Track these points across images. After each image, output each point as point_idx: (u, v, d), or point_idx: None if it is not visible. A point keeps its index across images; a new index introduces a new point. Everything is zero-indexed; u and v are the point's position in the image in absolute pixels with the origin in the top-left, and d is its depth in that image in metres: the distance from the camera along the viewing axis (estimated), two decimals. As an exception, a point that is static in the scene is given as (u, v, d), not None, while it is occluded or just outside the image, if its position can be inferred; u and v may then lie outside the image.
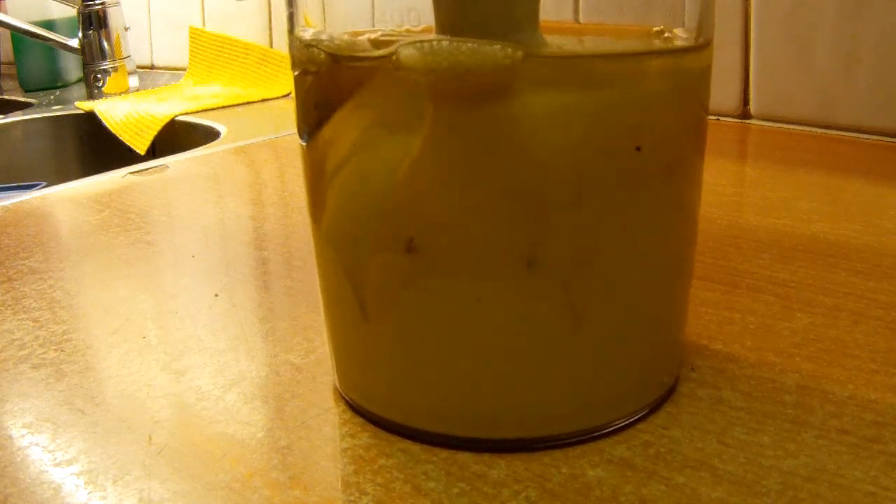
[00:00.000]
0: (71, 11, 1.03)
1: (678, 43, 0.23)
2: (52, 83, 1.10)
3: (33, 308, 0.35)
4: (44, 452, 0.24)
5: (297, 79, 0.25)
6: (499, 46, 0.20)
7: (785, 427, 0.24)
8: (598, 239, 0.22)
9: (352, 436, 0.25)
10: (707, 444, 0.23)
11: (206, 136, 0.74)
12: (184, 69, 1.03)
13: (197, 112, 0.81)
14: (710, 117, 0.44)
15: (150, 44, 1.14)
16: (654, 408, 0.25)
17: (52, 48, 1.05)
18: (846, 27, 0.55)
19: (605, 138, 0.22)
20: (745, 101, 0.62)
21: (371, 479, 0.22)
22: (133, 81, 0.99)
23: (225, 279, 0.37)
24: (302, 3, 0.24)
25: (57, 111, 0.91)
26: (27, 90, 1.09)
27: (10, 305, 0.35)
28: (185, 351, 0.30)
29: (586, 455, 0.23)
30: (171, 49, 1.11)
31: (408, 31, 0.22)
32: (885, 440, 0.23)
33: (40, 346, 0.31)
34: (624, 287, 0.23)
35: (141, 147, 0.79)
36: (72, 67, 1.11)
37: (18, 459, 0.24)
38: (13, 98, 1.07)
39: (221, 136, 0.71)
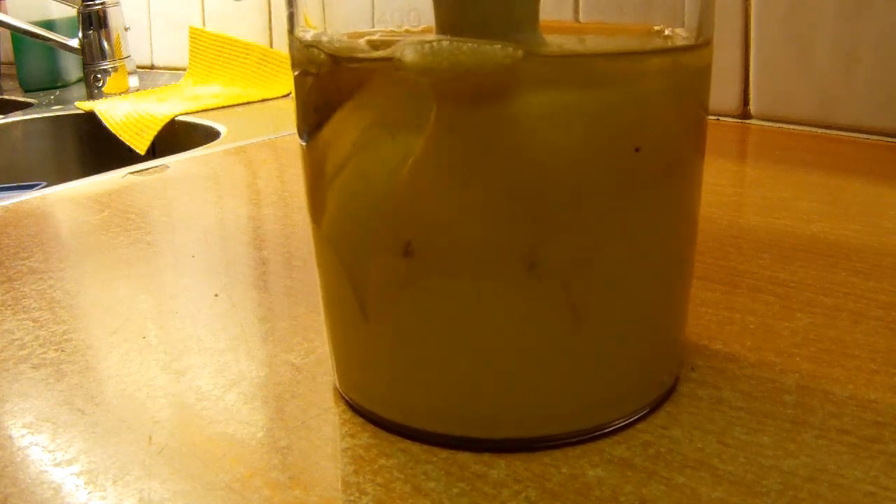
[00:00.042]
0: (71, 11, 1.03)
1: (678, 42, 0.23)
2: (52, 83, 1.10)
3: (33, 308, 0.35)
4: (44, 452, 0.24)
5: (297, 79, 0.25)
6: (499, 46, 0.20)
7: (785, 427, 0.24)
8: (599, 239, 0.22)
9: (352, 436, 0.25)
10: (707, 444, 0.23)
11: (206, 136, 0.74)
12: (184, 69, 1.03)
13: (197, 112, 0.81)
14: (710, 117, 0.44)
15: (150, 44, 1.14)
16: (654, 408, 0.25)
17: (52, 48, 1.05)
18: (846, 27, 0.56)
19: (606, 138, 0.22)
20: (745, 101, 0.62)
21: (371, 479, 0.22)
22: (133, 81, 0.99)
23: (225, 279, 0.37)
24: (302, 4, 0.24)
25: (57, 111, 0.91)
26: (27, 90, 1.09)
27: (10, 305, 0.35)
28: (185, 351, 0.30)
29: (586, 455, 0.23)
30: (171, 49, 1.11)
31: (408, 31, 0.22)
32: (885, 440, 0.23)
33: (40, 346, 0.31)
34: (624, 287, 0.23)
35: (141, 147, 0.79)
36: (72, 67, 1.11)
37: (18, 459, 0.24)
38: (13, 98, 1.07)
39: (221, 136, 0.71)
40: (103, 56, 0.97)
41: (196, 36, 1.00)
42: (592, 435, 0.24)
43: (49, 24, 1.06)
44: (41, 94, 1.06)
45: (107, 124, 0.83)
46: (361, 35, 0.23)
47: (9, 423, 0.26)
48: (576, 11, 0.24)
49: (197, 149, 0.66)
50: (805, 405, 0.25)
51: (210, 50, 0.99)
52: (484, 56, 0.20)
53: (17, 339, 0.32)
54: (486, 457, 0.23)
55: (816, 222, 0.40)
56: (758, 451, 0.23)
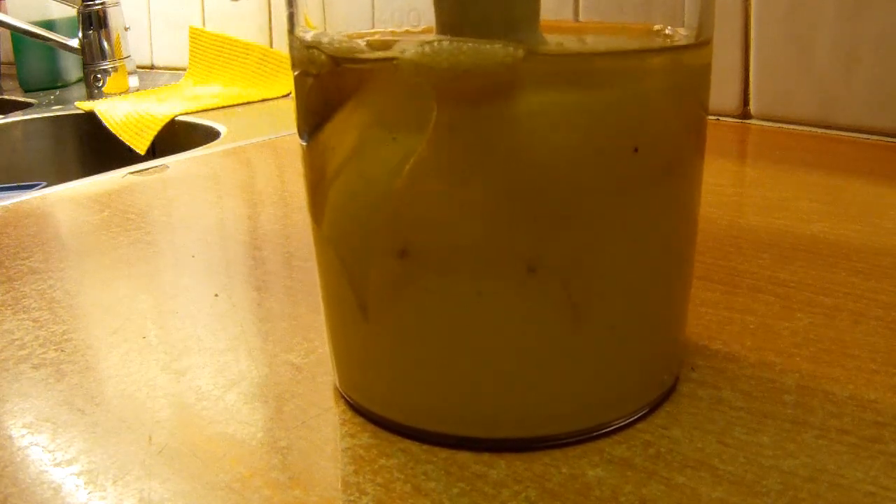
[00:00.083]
0: (71, 11, 1.03)
1: (678, 41, 0.23)
2: (52, 83, 1.10)
3: (33, 308, 0.35)
4: (44, 452, 0.24)
5: (297, 79, 0.25)
6: (500, 45, 0.20)
7: (785, 427, 0.24)
8: (599, 238, 0.22)
9: (352, 436, 0.25)
10: (707, 444, 0.23)
11: (206, 136, 0.74)
12: (184, 69, 1.03)
13: (197, 112, 0.81)
14: (710, 117, 0.44)
15: (150, 44, 1.15)
16: (654, 407, 0.25)
17: (52, 48, 1.05)
18: (846, 27, 0.56)
19: (606, 137, 0.22)
20: (745, 101, 0.62)
21: (371, 479, 0.22)
22: (133, 81, 0.99)
23: (225, 279, 0.37)
24: (302, 4, 0.24)
25: (57, 111, 0.91)
26: (27, 90, 1.09)
27: (10, 305, 0.35)
28: (185, 351, 0.30)
29: (586, 455, 0.23)
30: (171, 49, 1.11)
31: (408, 31, 0.22)
32: (885, 440, 0.23)
33: (40, 346, 0.31)
34: (624, 286, 0.23)
35: (141, 147, 0.79)
36: (72, 67, 1.11)
37: (18, 459, 0.24)
38: (13, 98, 1.07)
39: (221, 137, 0.71)
40: (103, 56, 0.97)
41: (196, 36, 1.00)
42: (592, 435, 0.24)
43: (49, 24, 1.06)
44: (41, 94, 1.06)
45: (107, 124, 0.83)
46: (361, 35, 0.23)
47: (9, 423, 0.26)
48: (576, 11, 0.24)
49: (197, 149, 0.66)
50: (805, 405, 0.25)
51: (210, 50, 0.99)
52: (484, 56, 0.20)
53: (17, 339, 0.32)
54: (486, 457, 0.23)
55: (816, 222, 0.40)
56: (758, 451, 0.23)
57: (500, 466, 0.23)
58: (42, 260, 0.41)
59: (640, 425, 0.24)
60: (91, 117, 0.86)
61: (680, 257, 0.25)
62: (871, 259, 0.36)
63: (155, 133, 0.80)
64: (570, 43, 0.23)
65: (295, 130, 0.25)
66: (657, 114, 0.23)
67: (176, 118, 0.80)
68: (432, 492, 0.22)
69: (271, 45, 0.97)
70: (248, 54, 0.95)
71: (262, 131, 0.70)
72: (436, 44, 0.21)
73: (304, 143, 0.25)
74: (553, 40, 0.22)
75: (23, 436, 0.25)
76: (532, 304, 0.22)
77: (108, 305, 0.35)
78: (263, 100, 0.86)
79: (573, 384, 0.23)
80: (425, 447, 0.24)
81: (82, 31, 0.97)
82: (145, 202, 0.51)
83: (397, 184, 0.22)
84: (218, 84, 0.95)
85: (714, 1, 0.24)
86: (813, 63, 0.58)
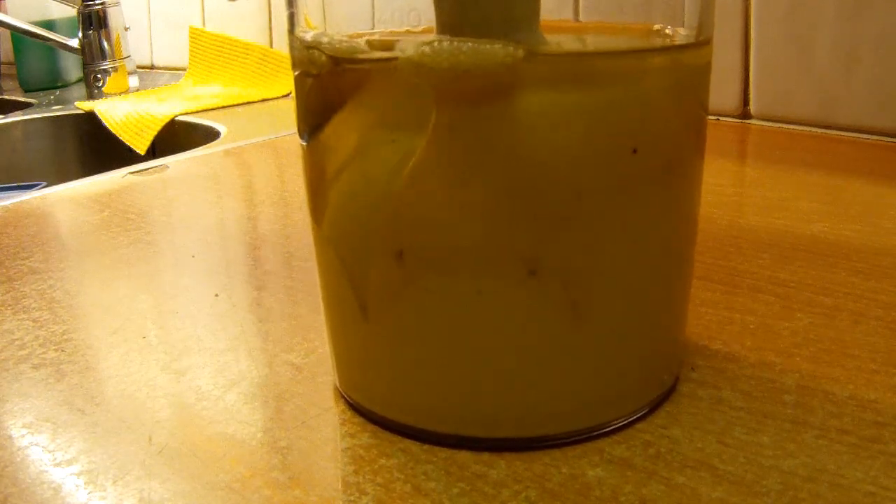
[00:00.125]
0: (71, 11, 1.03)
1: (678, 41, 0.23)
2: (52, 83, 1.10)
3: (33, 308, 0.35)
4: (44, 452, 0.24)
5: (297, 79, 0.25)
6: (499, 46, 0.20)
7: (785, 427, 0.24)
8: (599, 238, 0.22)
9: (352, 436, 0.25)
10: (707, 444, 0.23)
11: (206, 136, 0.74)
12: (184, 69, 1.03)
13: (197, 112, 0.81)
14: (710, 117, 0.44)
15: (150, 44, 1.15)
16: (654, 407, 0.25)
17: (52, 48, 1.05)
18: (846, 27, 0.56)
19: (606, 137, 0.22)
20: (745, 101, 0.62)
21: (371, 479, 0.22)
22: (133, 81, 0.99)
23: (225, 279, 0.37)
24: (302, 4, 0.24)
25: (57, 111, 0.91)
26: (27, 90, 1.09)
27: (10, 305, 0.35)
28: (185, 351, 0.30)
29: (586, 455, 0.23)
30: (171, 49, 1.11)
31: (408, 31, 0.22)
32: (885, 440, 0.23)
33: (40, 346, 0.31)
34: (624, 286, 0.23)
35: (141, 147, 0.79)
36: (72, 67, 1.11)
37: (18, 459, 0.24)
38: (13, 98, 1.07)
39: (221, 137, 0.71)
40: (103, 56, 0.97)
41: (196, 36, 1.00)
42: (592, 434, 0.24)
43: (49, 24, 1.06)
44: (41, 94, 1.06)
45: (107, 124, 0.83)
46: (361, 35, 0.23)
47: (9, 423, 0.26)
48: (576, 11, 0.24)
49: (197, 149, 0.66)
50: (805, 405, 0.25)
51: (210, 50, 0.99)
52: (484, 56, 0.20)
53: (17, 339, 0.32)
54: (486, 456, 0.23)
55: (816, 222, 0.40)
56: (758, 451, 0.23)
57: (500, 466, 0.23)
58: (42, 260, 0.41)
59: (639, 425, 0.24)
60: (91, 117, 0.86)
61: (680, 257, 0.25)
62: (871, 259, 0.36)
63: (155, 133, 0.80)
64: (570, 43, 0.23)
65: (295, 130, 0.25)
66: (657, 114, 0.23)
67: (176, 118, 0.80)
68: (432, 492, 0.22)
69: (271, 45, 0.97)
70: (248, 54, 0.95)
71: (262, 131, 0.70)
72: (436, 44, 0.21)
73: (305, 144, 0.25)
74: (553, 40, 0.22)
75: (23, 436, 0.25)
76: (532, 304, 0.22)
77: (108, 305, 0.35)
78: (263, 100, 0.86)
79: (573, 383, 0.23)
80: (425, 447, 0.24)
81: (82, 31, 0.97)
82: (145, 202, 0.51)
83: (397, 184, 0.22)
84: (218, 84, 0.95)
85: (714, 1, 0.24)
86: (813, 63, 0.58)
